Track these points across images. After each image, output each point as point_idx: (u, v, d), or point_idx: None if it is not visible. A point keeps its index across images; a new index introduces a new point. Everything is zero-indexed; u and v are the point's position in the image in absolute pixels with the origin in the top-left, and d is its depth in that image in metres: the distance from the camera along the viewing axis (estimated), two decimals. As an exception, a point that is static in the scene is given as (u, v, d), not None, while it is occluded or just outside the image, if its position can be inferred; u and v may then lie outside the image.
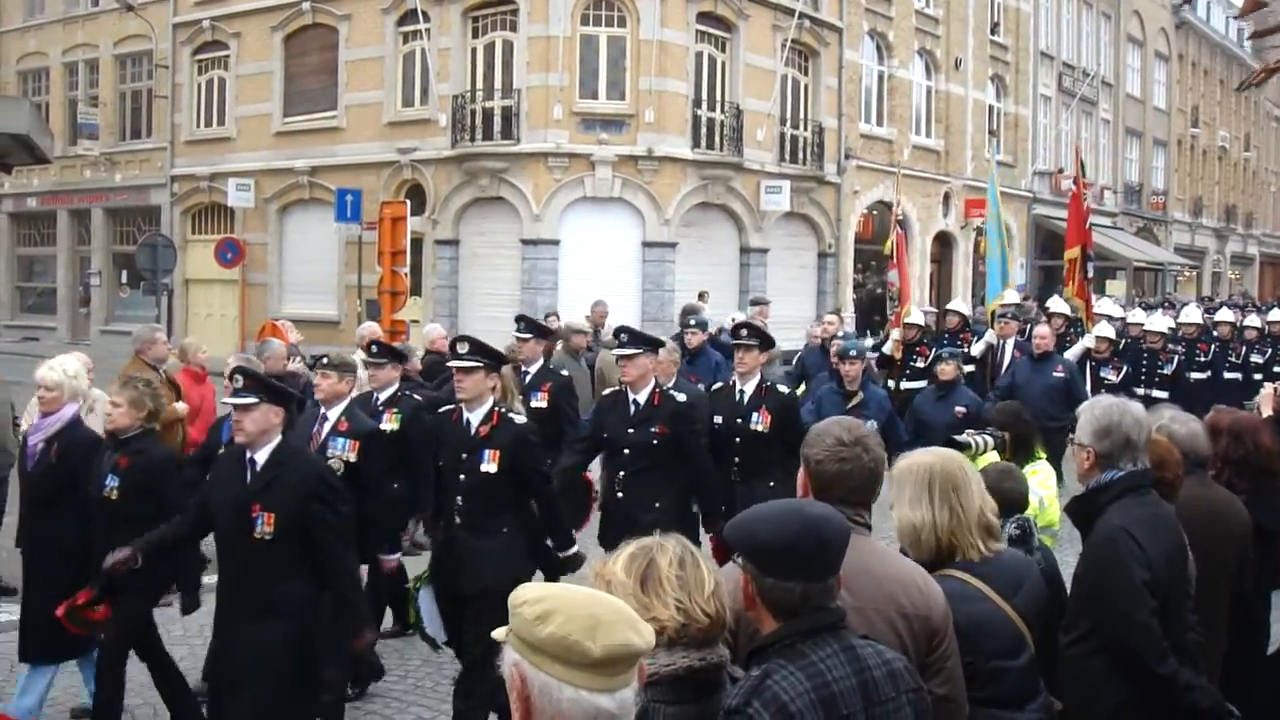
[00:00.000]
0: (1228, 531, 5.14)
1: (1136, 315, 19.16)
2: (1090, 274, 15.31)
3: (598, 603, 2.32)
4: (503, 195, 26.14)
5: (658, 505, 7.58)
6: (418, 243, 25.25)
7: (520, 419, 7.04)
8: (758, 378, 8.62)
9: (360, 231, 24.65)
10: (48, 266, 38.57)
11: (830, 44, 30.77)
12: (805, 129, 29.99)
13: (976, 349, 15.54)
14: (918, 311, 15.47)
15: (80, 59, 36.14)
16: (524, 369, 9.88)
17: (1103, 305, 18.84)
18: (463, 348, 6.98)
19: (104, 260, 35.80)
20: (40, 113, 28.83)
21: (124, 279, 35.15)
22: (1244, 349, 18.04)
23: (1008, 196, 38.57)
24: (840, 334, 14.00)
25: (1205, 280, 55.86)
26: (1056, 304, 16.37)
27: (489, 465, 6.73)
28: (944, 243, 36.74)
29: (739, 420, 8.48)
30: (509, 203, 26.14)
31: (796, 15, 28.37)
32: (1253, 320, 19.64)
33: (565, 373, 10.60)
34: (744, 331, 8.89)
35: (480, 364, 6.88)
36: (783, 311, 22.82)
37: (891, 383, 14.68)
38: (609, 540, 7.27)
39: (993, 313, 16.15)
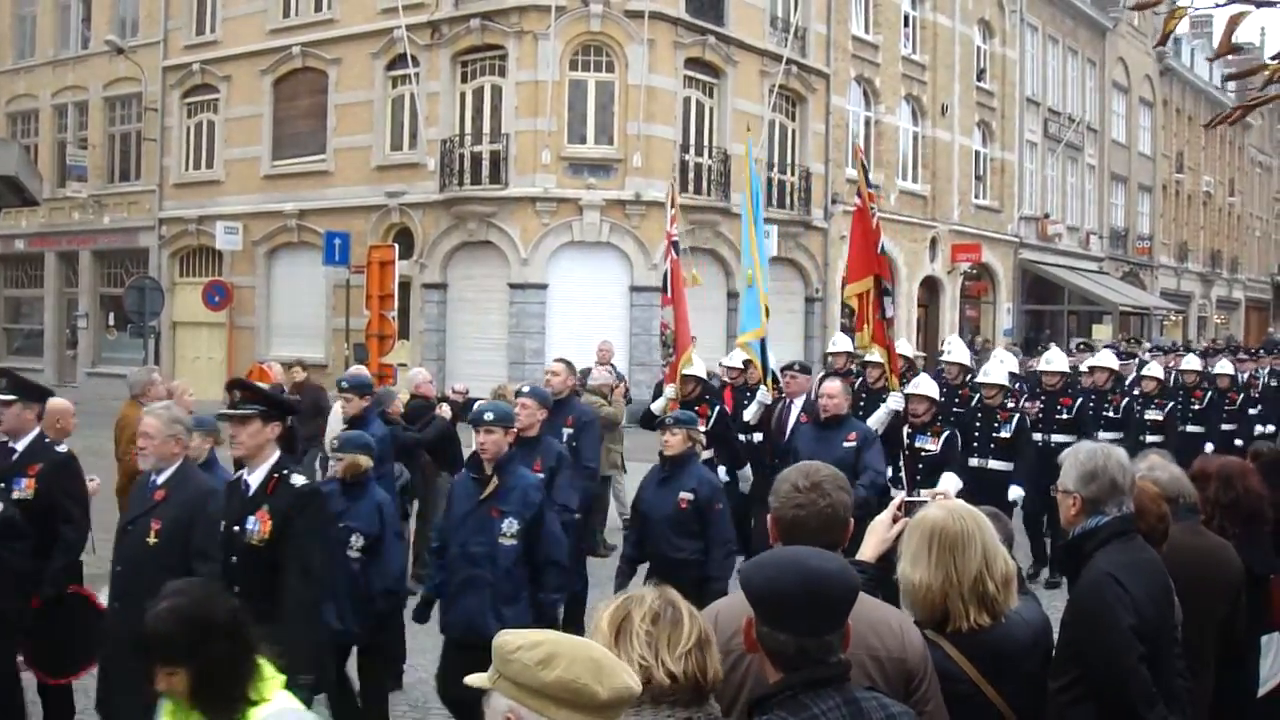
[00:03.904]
0: (1220, 579, 5.11)
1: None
2: (889, 313, 11.40)
3: (592, 647, 2.32)
4: (491, 239, 26.20)
5: None
6: (405, 286, 25.27)
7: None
8: (268, 464, 5.97)
9: (348, 275, 24.63)
10: (35, 308, 38.49)
11: (818, 90, 30.99)
12: (793, 174, 30.14)
13: (749, 413, 12.55)
14: (699, 361, 12.29)
15: (70, 101, 36.23)
16: (11, 444, 7.27)
17: (955, 348, 14.87)
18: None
19: (91, 302, 35.77)
20: (29, 154, 28.82)
21: (111, 321, 35.09)
22: (1126, 401, 14.36)
23: (994, 241, 38.86)
24: (525, 388, 9.92)
25: (1192, 324, 56.10)
26: (880, 353, 11.94)
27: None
28: (931, 288, 36.87)
29: (236, 527, 5.94)
30: (497, 247, 26.19)
31: (784, 61, 28.60)
32: (1152, 369, 16.06)
33: (63, 449, 7.50)
34: (238, 393, 6.05)
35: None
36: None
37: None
38: None
39: (745, 342, 12.91)
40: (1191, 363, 17.62)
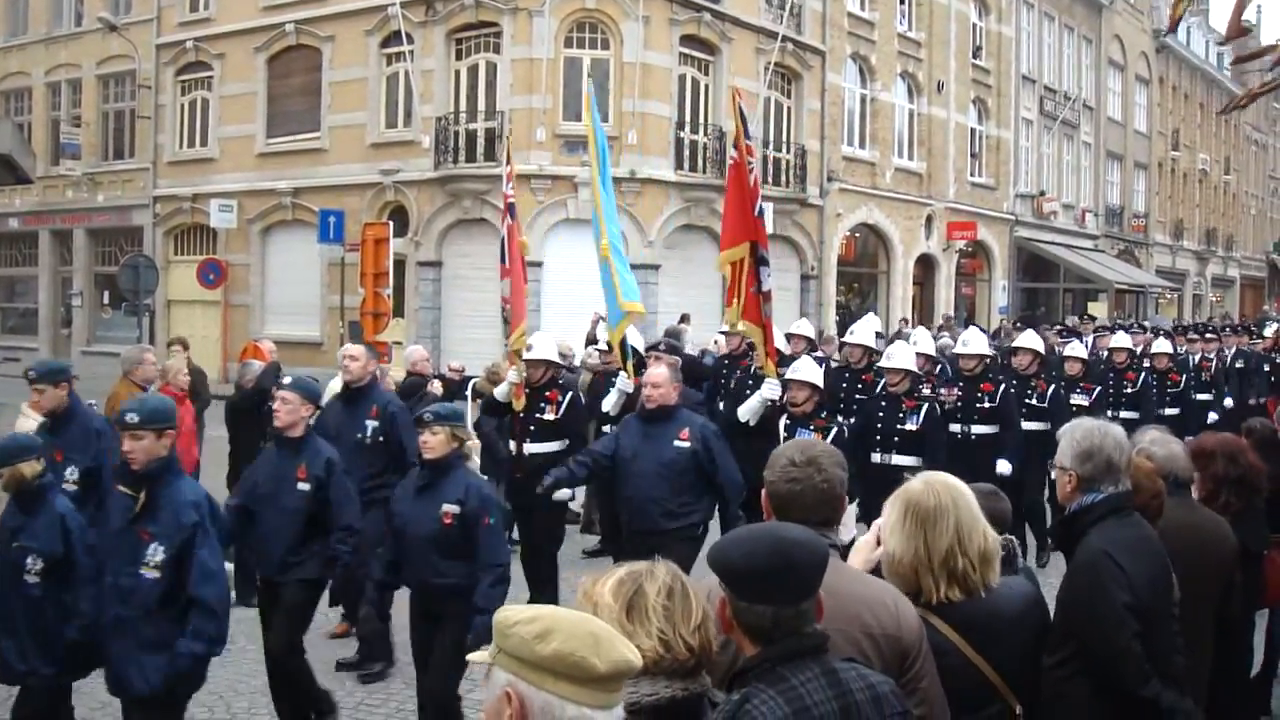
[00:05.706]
0: (1214, 555, 5.12)
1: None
2: (765, 286, 9.57)
3: (590, 620, 2.33)
4: (485, 217, 26.10)
5: None
6: (400, 264, 25.25)
7: None
8: None
9: (343, 253, 24.60)
10: (29, 287, 38.41)
11: (813, 67, 30.92)
12: (788, 151, 30.08)
13: (608, 402, 10.90)
14: (546, 340, 10.56)
15: (63, 79, 36.06)
16: None
17: (859, 329, 13.01)
18: None
19: (86, 281, 35.69)
20: (22, 132, 28.77)
21: (106, 300, 35.07)
22: (1052, 387, 12.35)
23: (989, 219, 38.82)
24: (287, 379, 8.17)
25: (1187, 302, 56.12)
26: (753, 331, 10.33)
27: None
28: (926, 265, 36.87)
29: None
30: (492, 224, 26.03)
31: (779, 38, 28.51)
32: (1073, 349, 14.19)
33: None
34: None
35: None
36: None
37: (513, 444, 9.95)
38: None
39: (619, 341, 10.84)
40: (1121, 341, 15.73)
